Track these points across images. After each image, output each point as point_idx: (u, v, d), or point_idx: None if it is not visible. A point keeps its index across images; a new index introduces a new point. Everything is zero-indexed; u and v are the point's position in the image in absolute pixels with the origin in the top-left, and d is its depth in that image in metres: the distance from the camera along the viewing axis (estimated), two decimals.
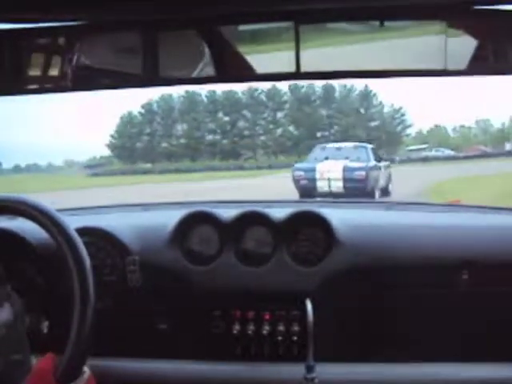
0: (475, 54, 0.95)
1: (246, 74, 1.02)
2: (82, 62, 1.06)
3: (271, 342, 1.42)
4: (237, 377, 1.39)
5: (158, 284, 1.48)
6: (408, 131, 39.64)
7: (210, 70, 1.02)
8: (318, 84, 36.18)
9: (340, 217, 1.54)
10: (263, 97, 36.63)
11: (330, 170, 12.42)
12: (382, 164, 13.49)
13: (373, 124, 36.59)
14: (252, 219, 1.50)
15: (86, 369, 0.97)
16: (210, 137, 37.36)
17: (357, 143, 15.42)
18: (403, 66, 0.97)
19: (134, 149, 37.74)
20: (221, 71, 1.02)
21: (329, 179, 12.27)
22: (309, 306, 1.34)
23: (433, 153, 31.00)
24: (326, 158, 13.43)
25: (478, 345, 1.41)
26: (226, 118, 37.02)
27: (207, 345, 1.45)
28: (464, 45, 0.95)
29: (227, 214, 1.52)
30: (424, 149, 33.10)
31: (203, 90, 35.23)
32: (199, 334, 1.46)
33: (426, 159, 27.71)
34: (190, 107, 36.83)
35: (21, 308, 1.04)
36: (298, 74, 0.97)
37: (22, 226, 1.45)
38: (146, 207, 1.97)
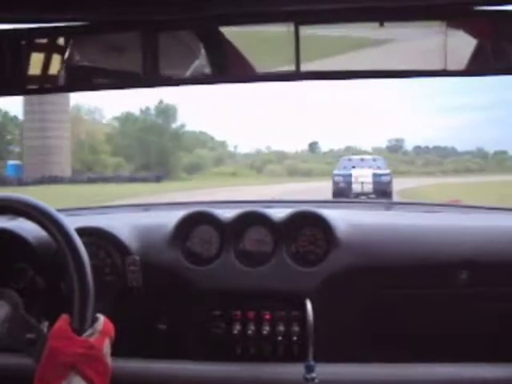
0: (475, 55, 0.95)
1: (246, 74, 1.03)
2: (82, 63, 1.06)
3: (271, 342, 1.42)
4: (237, 377, 1.39)
5: (158, 284, 1.48)
6: None
7: (210, 70, 1.02)
8: None
9: (340, 217, 1.54)
10: None
11: (362, 175, 16.80)
12: None
13: None
14: (252, 219, 1.50)
15: (99, 315, 0.98)
16: None
17: (374, 156, 20.60)
18: (403, 66, 0.97)
19: None
20: (221, 71, 1.03)
21: (362, 182, 16.54)
22: (309, 306, 1.34)
23: None
24: (353, 167, 17.73)
25: (478, 344, 1.41)
26: None
27: (207, 345, 1.45)
28: (464, 45, 0.95)
29: (227, 214, 1.52)
30: None
31: None
32: (199, 334, 1.46)
33: None
34: None
35: (19, 301, 1.03)
36: (297, 74, 0.97)
37: (21, 225, 1.45)
38: (147, 207, 1.97)
